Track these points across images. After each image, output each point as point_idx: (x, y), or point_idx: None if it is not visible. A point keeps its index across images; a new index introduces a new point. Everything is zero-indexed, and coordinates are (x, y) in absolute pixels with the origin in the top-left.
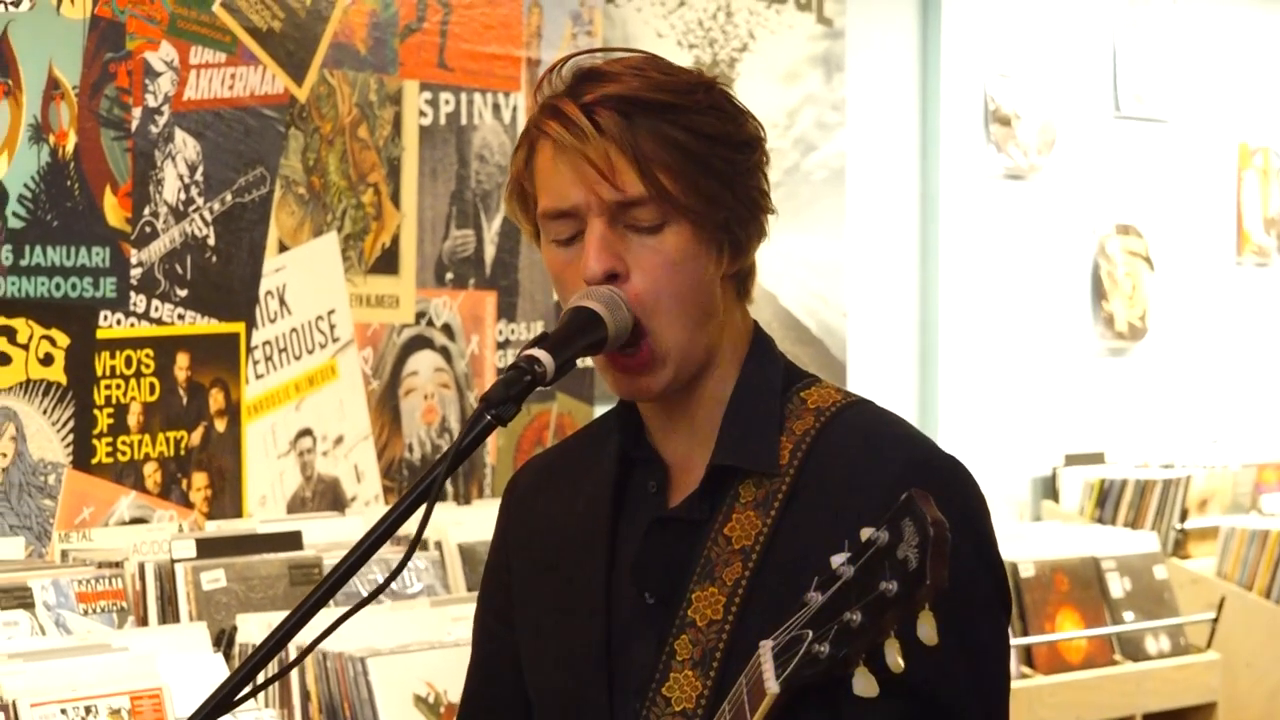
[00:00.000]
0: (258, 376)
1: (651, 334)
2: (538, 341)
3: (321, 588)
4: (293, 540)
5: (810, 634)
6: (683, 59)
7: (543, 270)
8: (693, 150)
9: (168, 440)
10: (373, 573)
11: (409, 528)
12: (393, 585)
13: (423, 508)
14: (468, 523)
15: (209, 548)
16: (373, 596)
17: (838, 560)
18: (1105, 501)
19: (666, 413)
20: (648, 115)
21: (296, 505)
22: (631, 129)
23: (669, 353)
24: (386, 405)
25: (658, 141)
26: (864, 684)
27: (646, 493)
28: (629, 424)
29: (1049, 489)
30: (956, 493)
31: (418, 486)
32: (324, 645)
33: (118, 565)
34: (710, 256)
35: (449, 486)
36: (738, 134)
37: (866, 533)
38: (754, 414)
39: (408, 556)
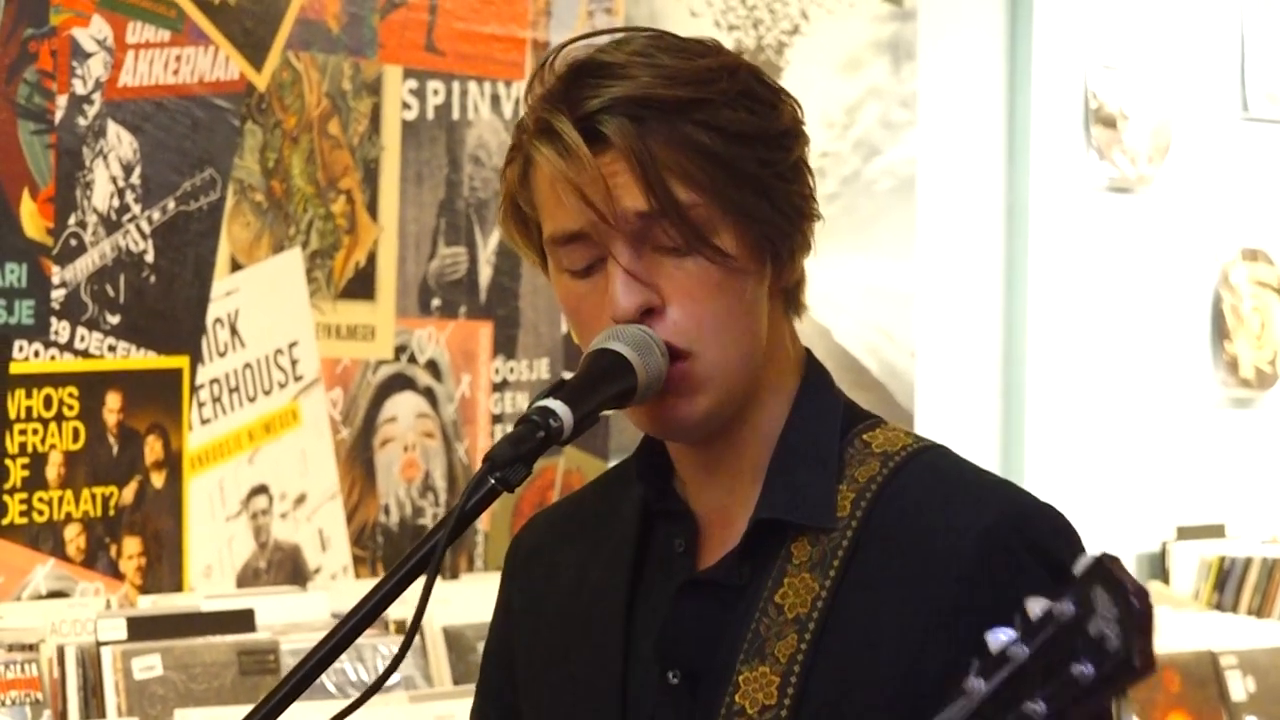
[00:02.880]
0: (204, 422)
1: (694, 355)
2: (553, 390)
3: (292, 679)
4: (243, 620)
5: None
6: (722, 42)
7: (549, 297)
8: (719, 154)
9: (94, 497)
10: (340, 662)
11: (390, 610)
12: (362, 676)
13: (414, 584)
14: (455, 602)
15: (142, 628)
16: (367, 696)
17: (1002, 639)
18: (1225, 584)
19: (702, 455)
20: (662, 117)
21: (248, 578)
22: (643, 136)
23: (712, 377)
24: (358, 458)
25: (676, 147)
26: None
27: (672, 552)
28: (653, 470)
29: (1158, 568)
30: (1061, 550)
31: (413, 557)
32: None
33: (32, 648)
34: (750, 272)
35: None
36: (773, 126)
37: (1039, 605)
38: (808, 458)
39: (408, 643)
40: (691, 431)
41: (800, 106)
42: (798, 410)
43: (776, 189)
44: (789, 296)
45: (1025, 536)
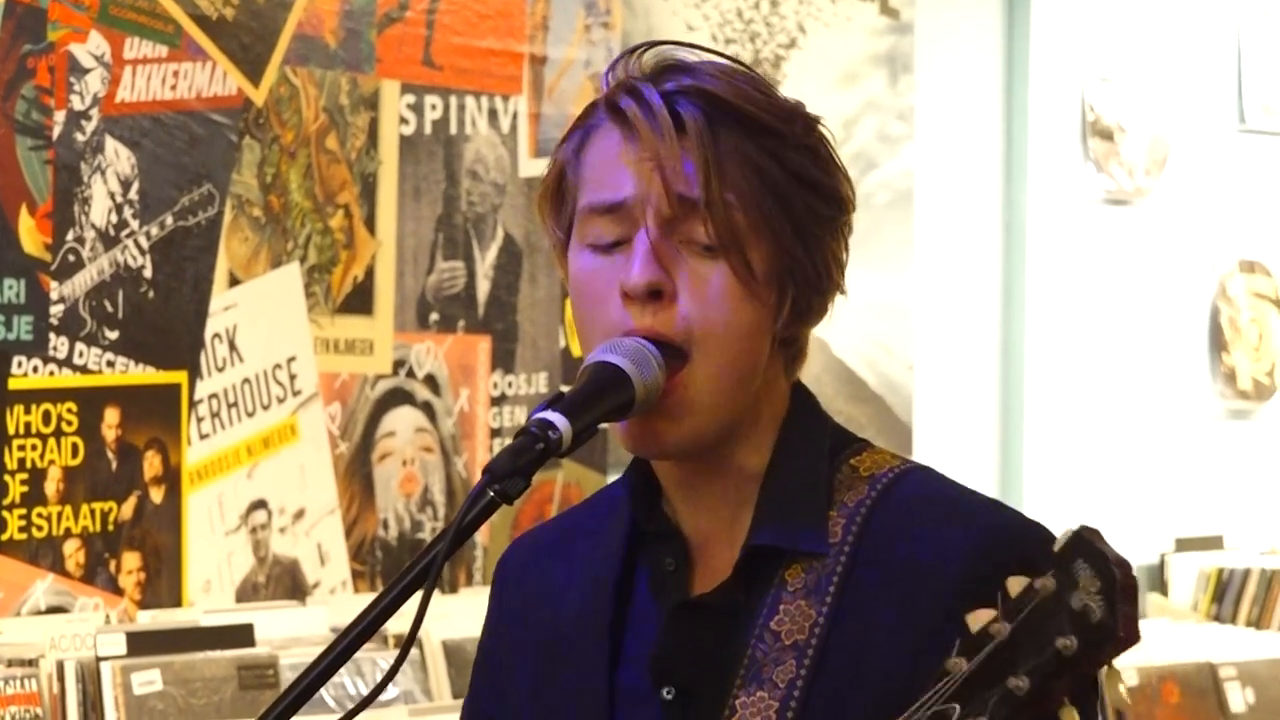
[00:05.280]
0: (202, 437)
1: (687, 369)
2: (551, 403)
3: (291, 693)
4: (243, 635)
5: (958, 709)
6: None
7: (547, 311)
8: (775, 182)
9: (93, 513)
10: (340, 675)
11: (388, 624)
12: (361, 689)
13: (413, 598)
14: (454, 615)
15: (142, 643)
16: (361, 708)
17: (982, 619)
18: (1224, 595)
19: (690, 477)
20: (734, 128)
21: (247, 593)
22: (713, 135)
23: (698, 399)
24: (357, 473)
25: (738, 159)
26: None
27: (662, 570)
28: (642, 491)
29: (1156, 580)
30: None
31: (411, 571)
32: None
33: (32, 663)
34: (765, 303)
35: None
36: (828, 185)
37: (1019, 582)
38: (797, 485)
39: (403, 656)
40: (673, 453)
41: (854, 192)
42: (785, 436)
43: (814, 238)
44: (790, 357)
45: (1015, 553)
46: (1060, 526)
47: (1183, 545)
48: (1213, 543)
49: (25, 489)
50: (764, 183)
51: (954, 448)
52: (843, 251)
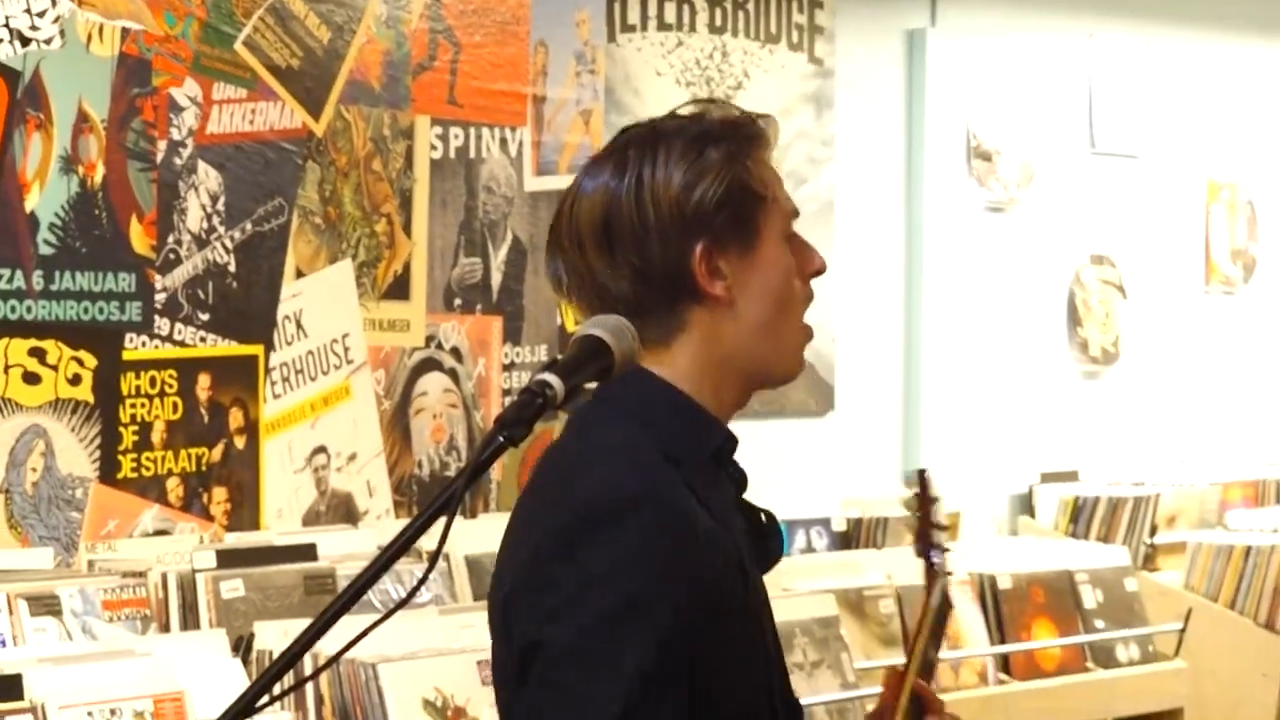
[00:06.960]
0: (275, 396)
1: None
2: (548, 366)
3: (344, 596)
4: (308, 552)
5: None
6: (680, 96)
7: (547, 296)
8: None
9: (190, 456)
10: (383, 583)
11: (421, 542)
12: (402, 595)
13: (440, 521)
14: (474, 536)
15: (228, 559)
16: (399, 607)
17: None
18: (1079, 517)
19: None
20: None
21: (311, 519)
22: None
23: None
24: (397, 424)
25: None
26: None
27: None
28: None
29: (1026, 505)
30: None
31: (436, 501)
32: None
33: (141, 575)
34: None
35: None
36: None
37: None
38: None
39: (431, 567)
40: None
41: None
42: None
43: None
44: None
45: None
46: (953, 465)
47: (1047, 478)
48: (1070, 476)
49: (136, 438)
50: None
51: (867, 403)
52: None
